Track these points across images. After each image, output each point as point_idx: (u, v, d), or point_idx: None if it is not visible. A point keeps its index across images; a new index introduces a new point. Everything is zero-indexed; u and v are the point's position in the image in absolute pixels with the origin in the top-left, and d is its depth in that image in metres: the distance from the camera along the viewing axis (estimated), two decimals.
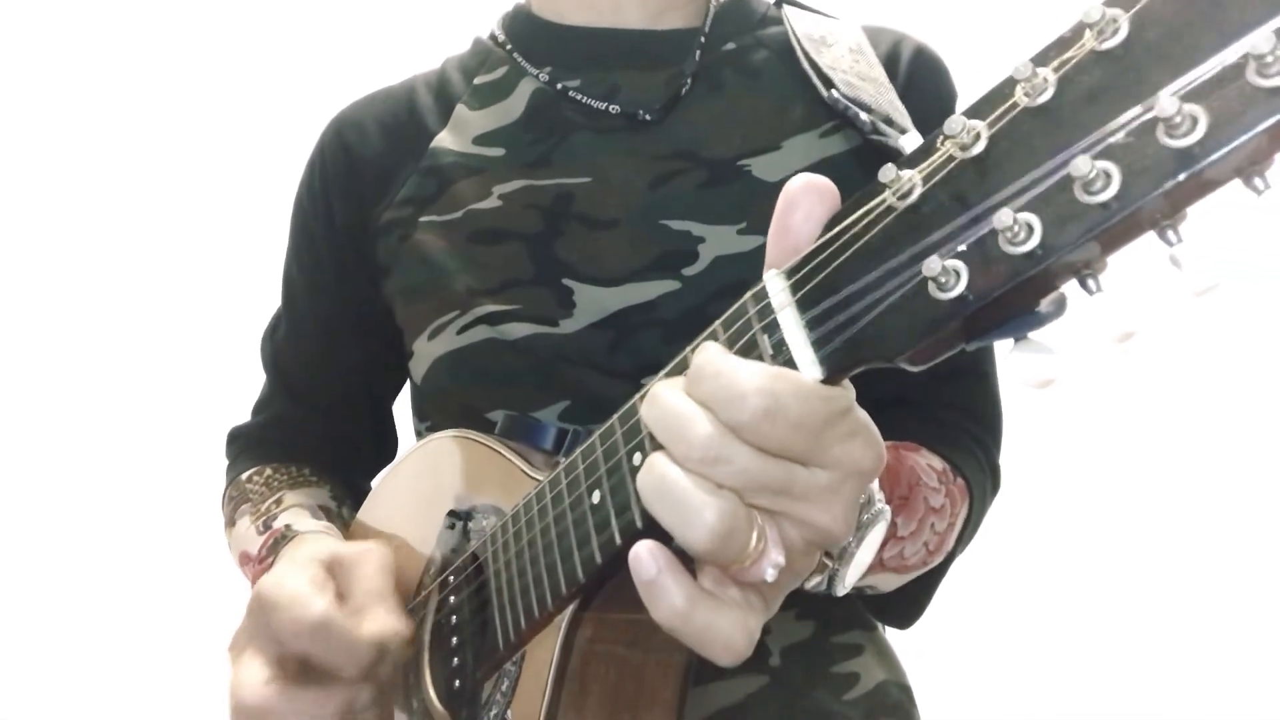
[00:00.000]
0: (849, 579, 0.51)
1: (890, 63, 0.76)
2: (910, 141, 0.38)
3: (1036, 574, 1.80)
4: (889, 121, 0.68)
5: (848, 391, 0.39)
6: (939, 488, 0.65)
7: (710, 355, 0.38)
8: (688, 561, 0.39)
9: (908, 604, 0.73)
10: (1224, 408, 1.85)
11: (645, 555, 0.38)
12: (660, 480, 0.37)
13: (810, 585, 0.51)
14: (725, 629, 0.38)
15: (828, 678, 0.72)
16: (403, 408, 0.91)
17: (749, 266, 0.69)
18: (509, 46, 0.80)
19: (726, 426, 0.36)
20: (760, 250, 0.69)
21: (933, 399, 0.74)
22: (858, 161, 0.72)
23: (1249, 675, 1.77)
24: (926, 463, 0.66)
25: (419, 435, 0.84)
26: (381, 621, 0.54)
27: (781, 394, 0.36)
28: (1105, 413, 1.79)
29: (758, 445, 0.36)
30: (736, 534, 0.36)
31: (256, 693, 0.52)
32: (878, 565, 0.58)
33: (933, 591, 0.73)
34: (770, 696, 0.70)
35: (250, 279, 1.30)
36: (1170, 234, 0.31)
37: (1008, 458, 0.77)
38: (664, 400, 0.38)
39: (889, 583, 0.65)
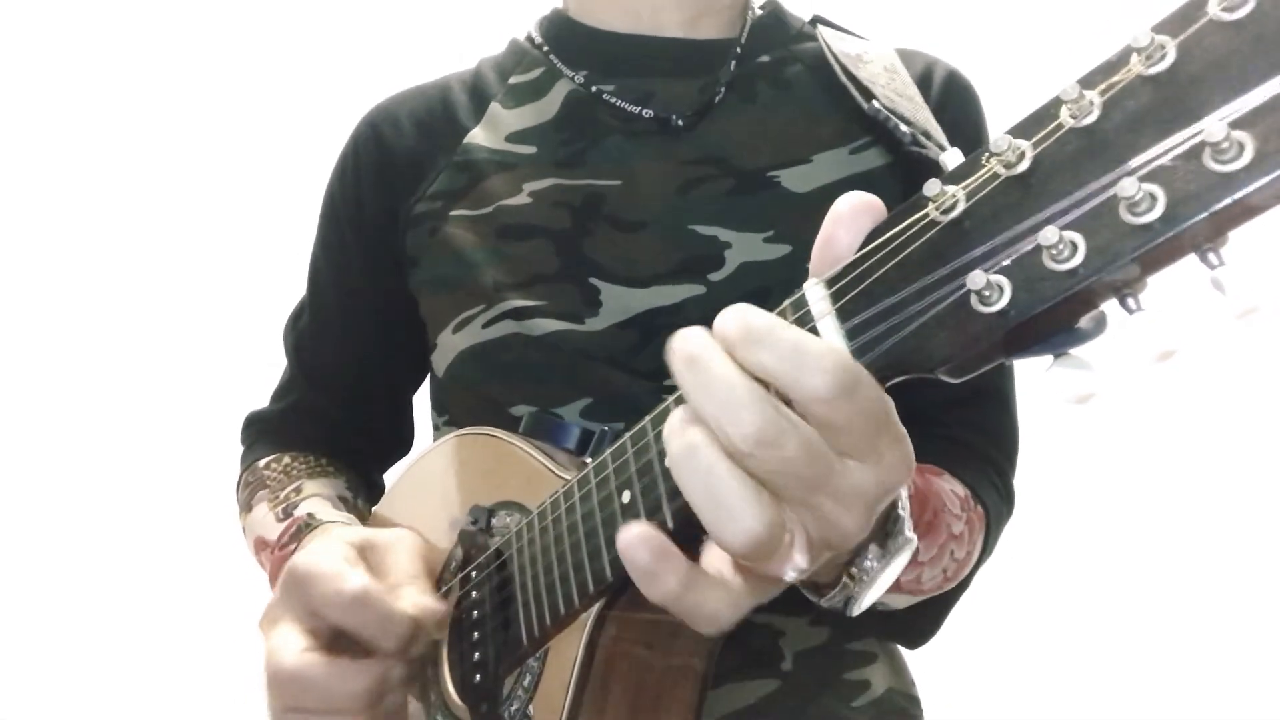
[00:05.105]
0: (865, 602, 0.50)
1: (923, 85, 0.77)
2: (951, 158, 0.39)
3: (1047, 587, 1.80)
4: (927, 136, 0.69)
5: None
6: (961, 515, 0.66)
7: (772, 319, 0.36)
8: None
9: (920, 626, 0.73)
10: (1242, 425, 1.86)
11: (638, 544, 0.38)
12: (707, 475, 0.36)
13: (826, 603, 0.51)
14: (712, 606, 0.40)
15: (838, 684, 0.73)
16: (419, 403, 0.92)
17: (774, 274, 0.70)
18: (546, 49, 0.81)
19: (787, 400, 0.35)
20: (786, 259, 0.71)
21: (953, 420, 0.74)
22: (888, 178, 0.73)
23: (1258, 689, 1.77)
24: (950, 489, 0.66)
25: (436, 429, 0.84)
26: (417, 599, 0.55)
27: (861, 376, 0.35)
28: (1119, 427, 1.79)
29: (821, 422, 0.35)
30: (773, 541, 0.36)
31: (293, 660, 0.53)
32: (894, 586, 0.59)
33: (945, 616, 0.73)
34: (781, 700, 0.70)
35: (274, 268, 1.31)
36: (1212, 256, 0.32)
37: (1021, 470, 0.77)
38: (715, 369, 0.36)
39: (900, 602, 0.66)
